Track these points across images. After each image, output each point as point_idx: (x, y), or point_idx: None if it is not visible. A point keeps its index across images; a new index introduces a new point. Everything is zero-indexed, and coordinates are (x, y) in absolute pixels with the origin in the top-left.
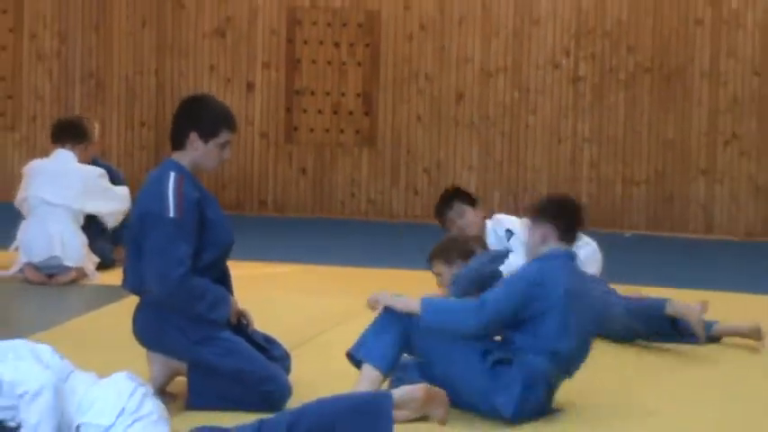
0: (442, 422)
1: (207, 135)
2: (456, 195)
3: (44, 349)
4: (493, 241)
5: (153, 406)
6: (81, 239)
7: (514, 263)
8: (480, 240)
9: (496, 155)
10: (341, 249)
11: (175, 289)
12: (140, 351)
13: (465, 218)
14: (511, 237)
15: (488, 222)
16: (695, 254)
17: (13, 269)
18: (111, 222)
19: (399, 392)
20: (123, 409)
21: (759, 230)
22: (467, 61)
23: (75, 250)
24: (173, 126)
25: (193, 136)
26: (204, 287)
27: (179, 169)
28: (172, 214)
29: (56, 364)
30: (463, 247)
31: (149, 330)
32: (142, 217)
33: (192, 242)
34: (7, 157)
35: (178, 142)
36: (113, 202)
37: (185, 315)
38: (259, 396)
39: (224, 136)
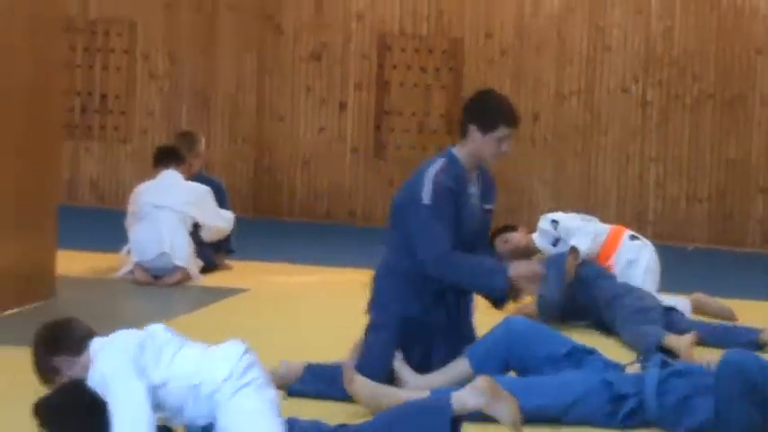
0: (515, 426)
1: (485, 128)
2: (495, 235)
3: (157, 328)
4: (543, 243)
5: (259, 371)
6: (188, 241)
7: (582, 242)
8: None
9: (569, 171)
10: None
11: (437, 269)
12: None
13: (511, 242)
14: (557, 226)
15: (534, 234)
16: (752, 266)
17: (123, 270)
18: (208, 236)
19: (460, 391)
20: (232, 371)
21: None
22: (543, 85)
23: (182, 250)
24: (460, 117)
25: (472, 128)
26: (473, 262)
27: (449, 157)
28: (426, 201)
29: (169, 337)
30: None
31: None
32: (401, 205)
33: (449, 225)
34: (120, 167)
35: (462, 132)
36: (218, 219)
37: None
38: None
39: (502, 131)
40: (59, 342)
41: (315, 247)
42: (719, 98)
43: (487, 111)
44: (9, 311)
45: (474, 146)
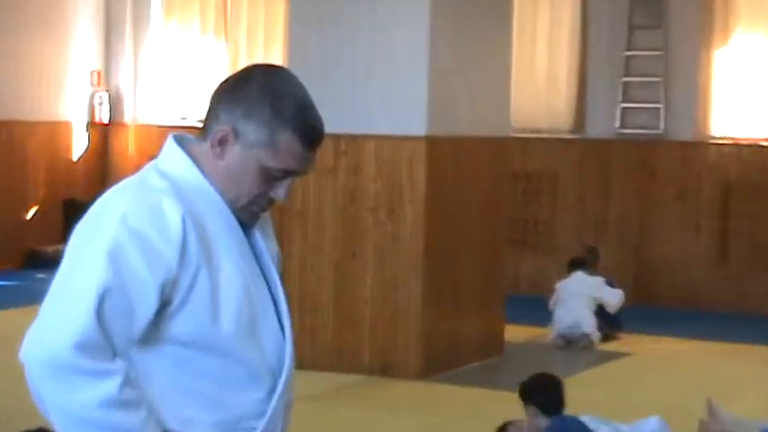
0: None
1: None
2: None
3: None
4: None
5: None
6: (592, 316)
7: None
8: None
9: None
10: None
11: None
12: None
13: None
14: None
15: None
16: None
17: (550, 337)
18: (612, 309)
19: None
20: None
21: None
22: None
23: (587, 321)
24: None
25: None
26: None
27: None
28: None
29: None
30: None
31: None
32: None
33: None
34: (547, 270)
35: None
36: (613, 298)
37: None
38: None
39: None
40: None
41: (685, 326)
42: None
43: None
44: (474, 364)
45: None
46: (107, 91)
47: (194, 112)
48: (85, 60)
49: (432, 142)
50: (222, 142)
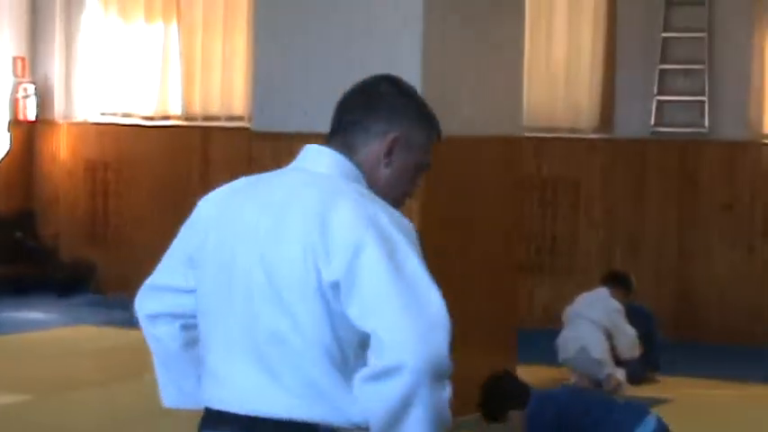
0: None
1: None
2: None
3: None
4: None
5: None
6: (603, 339)
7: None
8: None
9: None
10: None
11: None
12: None
13: None
14: None
15: None
16: None
17: (572, 379)
18: (624, 353)
19: None
20: None
21: None
22: None
23: (596, 346)
24: None
25: None
26: None
27: None
28: None
29: None
30: None
31: None
32: None
33: None
34: (567, 296)
35: None
36: (621, 335)
37: None
38: None
39: None
40: None
41: (734, 366)
42: None
43: None
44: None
45: None
46: (33, 82)
47: (139, 107)
48: (6, 45)
49: None
50: (390, 151)
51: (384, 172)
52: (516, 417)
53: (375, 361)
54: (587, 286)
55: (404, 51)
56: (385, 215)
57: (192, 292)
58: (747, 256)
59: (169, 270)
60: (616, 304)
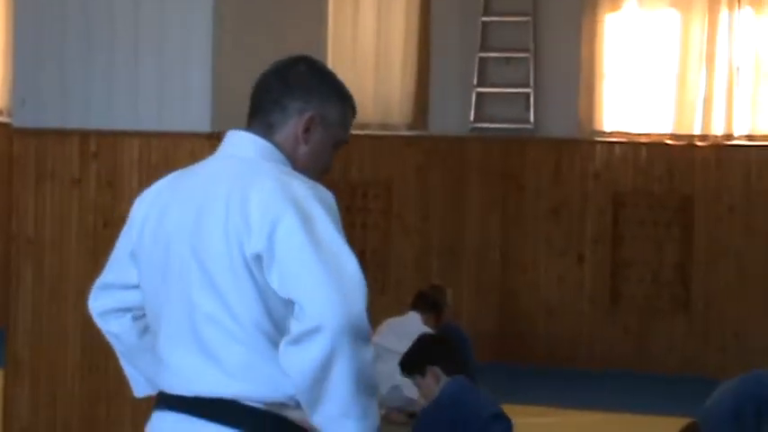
0: None
1: None
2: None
3: None
4: None
5: None
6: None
7: None
8: None
9: None
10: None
11: None
12: None
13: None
14: None
15: None
16: None
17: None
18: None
19: None
20: None
21: None
22: None
23: (410, 384)
24: None
25: None
26: None
27: None
28: None
29: None
30: None
31: None
32: None
33: None
34: (379, 315)
35: None
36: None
37: None
38: None
39: None
40: None
41: (557, 390)
42: None
43: None
44: None
45: None
46: None
47: None
48: None
49: (218, 140)
50: (307, 129)
51: (303, 149)
52: (432, 376)
53: (296, 325)
54: (402, 302)
55: (194, 66)
56: (303, 189)
57: (137, 286)
58: (576, 266)
59: (114, 268)
60: (424, 330)
